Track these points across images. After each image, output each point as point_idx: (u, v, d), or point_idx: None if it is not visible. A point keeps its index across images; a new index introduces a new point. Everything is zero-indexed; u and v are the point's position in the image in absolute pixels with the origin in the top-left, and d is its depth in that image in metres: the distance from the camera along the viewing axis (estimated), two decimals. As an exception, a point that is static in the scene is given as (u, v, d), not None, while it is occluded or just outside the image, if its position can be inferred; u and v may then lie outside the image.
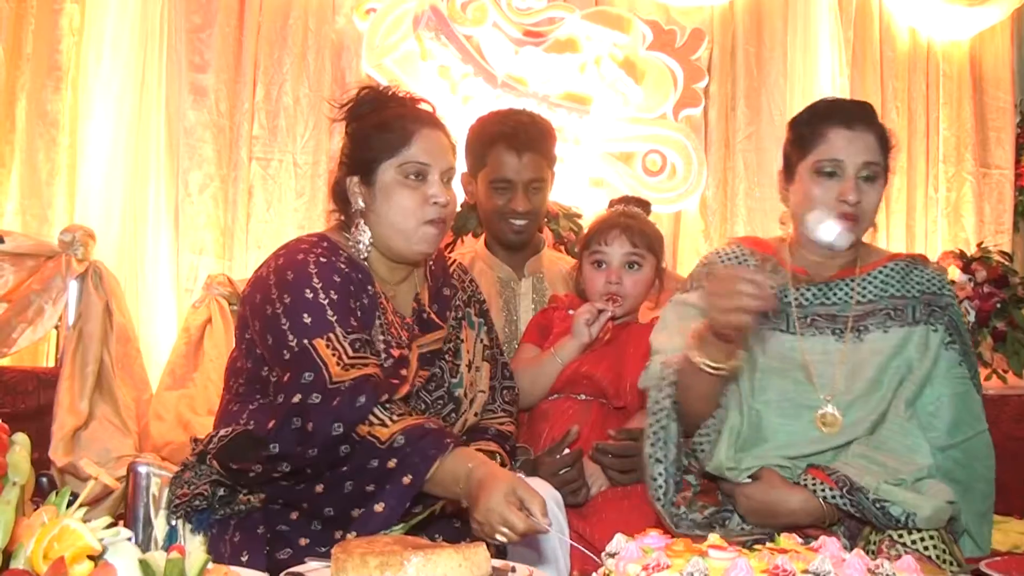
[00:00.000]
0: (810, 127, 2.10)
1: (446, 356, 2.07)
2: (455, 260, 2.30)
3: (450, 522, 1.93)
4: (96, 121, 3.63)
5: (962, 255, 3.79)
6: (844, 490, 1.90)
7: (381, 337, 1.96)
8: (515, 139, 2.59)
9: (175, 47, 3.77)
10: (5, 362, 3.04)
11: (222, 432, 1.95)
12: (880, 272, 2.13)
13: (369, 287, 1.99)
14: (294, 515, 1.88)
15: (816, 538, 1.46)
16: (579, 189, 4.16)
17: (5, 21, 3.55)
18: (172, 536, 1.99)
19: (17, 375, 2.94)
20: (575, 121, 4.19)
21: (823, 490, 1.92)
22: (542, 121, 2.72)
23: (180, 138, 3.79)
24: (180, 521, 1.99)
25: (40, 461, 2.77)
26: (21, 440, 1.00)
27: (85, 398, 2.80)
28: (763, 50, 4.58)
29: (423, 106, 2.07)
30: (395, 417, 1.78)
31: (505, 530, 1.62)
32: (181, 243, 3.75)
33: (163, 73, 3.73)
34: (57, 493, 1.04)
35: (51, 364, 3.10)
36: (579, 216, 3.48)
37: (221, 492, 1.94)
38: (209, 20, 3.85)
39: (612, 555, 1.41)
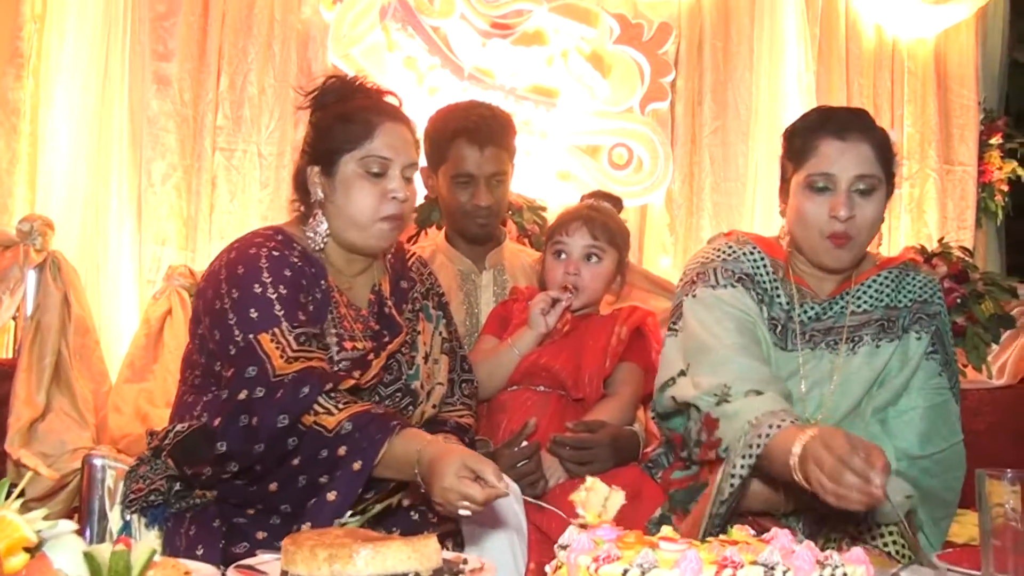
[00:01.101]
0: (802, 139, 2.02)
1: (402, 353, 2.07)
2: (414, 253, 2.30)
3: (408, 514, 1.94)
4: (58, 109, 3.58)
5: (923, 251, 3.81)
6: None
7: (333, 330, 1.96)
8: (476, 133, 2.58)
9: (139, 35, 3.73)
10: (-42, 353, 3.01)
11: (178, 427, 1.94)
12: (874, 281, 2.09)
13: (322, 281, 1.98)
14: (251, 510, 1.88)
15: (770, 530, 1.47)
16: (546, 182, 4.17)
17: (-37, 7, 3.50)
18: (127, 530, 1.98)
19: (-29, 366, 2.92)
20: (542, 114, 4.18)
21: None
22: (502, 114, 2.70)
23: (143, 127, 3.75)
24: (135, 515, 1.97)
25: (-4, 453, 2.75)
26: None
27: (42, 390, 2.77)
28: (730, 45, 4.59)
29: (389, 99, 2.07)
30: (341, 405, 1.78)
31: (466, 503, 1.63)
32: (144, 234, 3.71)
33: (126, 62, 3.67)
34: None
35: (9, 355, 3.06)
36: (543, 209, 3.49)
37: (177, 487, 1.93)
38: (173, 8, 3.81)
39: (564, 547, 1.42)
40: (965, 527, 2.94)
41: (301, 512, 1.77)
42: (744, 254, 2.11)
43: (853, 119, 2.02)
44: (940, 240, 3.97)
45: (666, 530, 1.47)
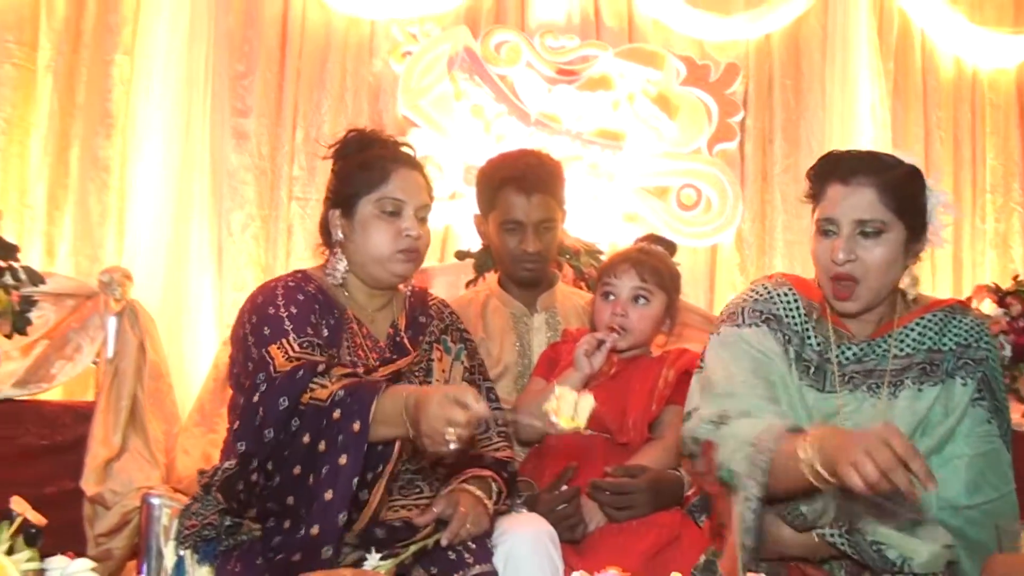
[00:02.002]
0: (815, 183, 2.05)
1: (415, 375, 2.16)
2: (437, 297, 2.40)
3: (445, 554, 1.98)
4: (144, 165, 3.80)
5: (997, 289, 3.71)
6: (843, 529, 1.86)
7: (348, 357, 2.07)
8: (523, 181, 2.62)
9: (219, 93, 3.93)
10: (45, 396, 3.20)
11: (225, 465, 2.04)
12: (918, 324, 2.04)
13: (335, 310, 2.12)
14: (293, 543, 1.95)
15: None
16: (613, 225, 4.22)
17: (60, 73, 3.76)
18: (180, 566, 2.08)
19: (56, 409, 3.11)
20: (608, 157, 4.24)
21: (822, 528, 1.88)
22: (550, 162, 2.74)
23: (223, 180, 3.95)
24: (188, 551, 2.08)
25: (75, 492, 2.91)
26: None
27: (119, 431, 2.94)
28: (801, 82, 4.58)
29: (405, 149, 2.22)
30: (333, 380, 1.89)
31: (451, 430, 1.71)
32: (224, 281, 3.90)
33: (207, 119, 3.89)
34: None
35: (90, 398, 3.24)
36: (600, 253, 3.52)
37: (228, 522, 2.03)
38: (251, 67, 4.02)
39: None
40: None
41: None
42: (778, 295, 2.11)
43: (858, 163, 2.00)
44: (1015, 278, 3.85)
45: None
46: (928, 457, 1.93)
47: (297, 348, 1.97)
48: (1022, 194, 4.74)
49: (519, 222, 2.65)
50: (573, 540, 2.26)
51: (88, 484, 2.84)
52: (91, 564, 1.28)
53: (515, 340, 2.77)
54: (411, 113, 4.08)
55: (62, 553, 1.32)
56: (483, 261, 3.29)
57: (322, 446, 1.81)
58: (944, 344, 2.02)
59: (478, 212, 2.80)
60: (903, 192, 1.96)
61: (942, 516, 1.92)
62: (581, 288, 3.17)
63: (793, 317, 2.10)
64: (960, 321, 2.04)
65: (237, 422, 1.95)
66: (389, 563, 1.80)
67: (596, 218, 4.06)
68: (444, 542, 1.97)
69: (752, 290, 2.16)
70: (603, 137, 4.26)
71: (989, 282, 4.23)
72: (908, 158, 2.05)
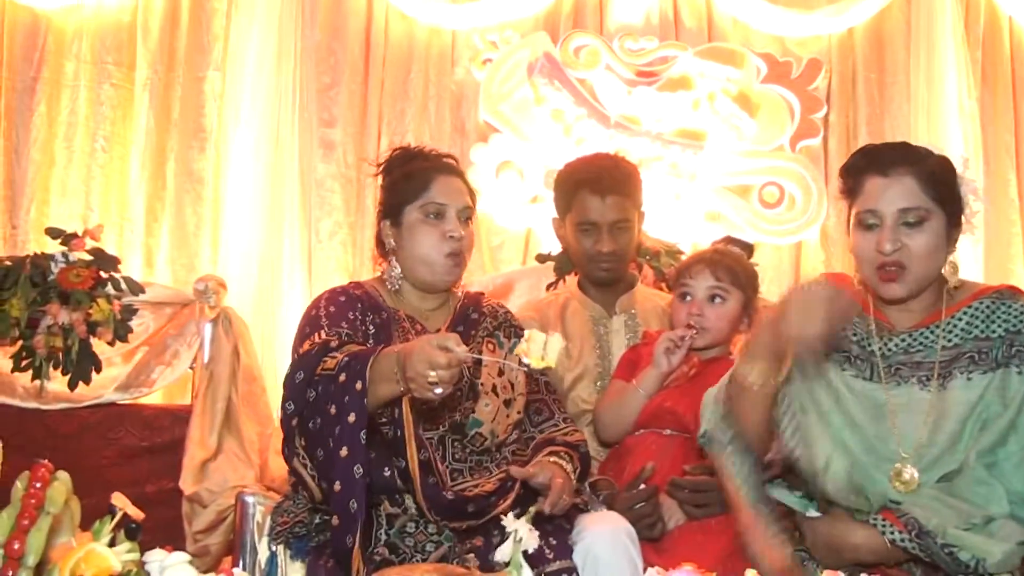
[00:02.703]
0: (852, 178, 2.06)
1: (466, 368, 2.19)
2: (493, 299, 2.50)
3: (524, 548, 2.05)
4: (236, 177, 3.97)
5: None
6: (912, 533, 1.84)
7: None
8: (598, 183, 2.66)
9: (306, 106, 4.07)
10: (145, 400, 3.36)
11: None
12: (965, 313, 2.02)
13: (383, 311, 2.24)
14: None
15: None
16: (695, 224, 4.21)
17: (155, 91, 3.94)
18: (272, 562, 2.18)
19: (155, 412, 3.27)
20: (689, 157, 4.25)
21: (891, 532, 1.87)
22: (625, 164, 2.78)
23: (312, 189, 4.08)
24: (280, 547, 2.17)
25: (174, 491, 3.05)
26: (62, 477, 1.19)
27: (214, 433, 3.07)
28: (885, 76, 4.51)
29: (446, 160, 2.35)
30: (342, 351, 2.02)
31: (433, 373, 1.81)
32: (314, 286, 4.01)
33: (296, 130, 4.03)
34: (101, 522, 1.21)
35: (187, 402, 3.39)
36: (681, 253, 3.52)
37: (317, 520, 2.11)
38: (337, 79, 4.14)
39: (647, 587, 1.48)
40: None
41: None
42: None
43: (895, 154, 2.02)
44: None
45: (750, 572, 1.51)
46: (992, 451, 1.92)
47: (324, 336, 2.09)
48: (1115, 180, 4.58)
49: (594, 223, 2.68)
50: (652, 538, 2.28)
51: (186, 483, 2.98)
52: (187, 557, 1.36)
53: (594, 342, 2.80)
54: (492, 118, 4.15)
55: (161, 548, 1.41)
56: (563, 264, 3.34)
57: (333, 409, 1.94)
58: (993, 331, 1.99)
59: (556, 216, 2.85)
60: (940, 180, 1.98)
61: (1015, 510, 1.89)
62: (661, 289, 3.19)
63: None
64: (1009, 307, 2.00)
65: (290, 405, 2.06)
66: (525, 517, 1.76)
67: (678, 218, 4.06)
68: (547, 510, 2.02)
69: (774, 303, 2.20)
70: (683, 137, 4.26)
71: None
72: (937, 149, 2.07)
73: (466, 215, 2.29)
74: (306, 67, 4.07)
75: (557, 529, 2.11)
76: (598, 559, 2.09)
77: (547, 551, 2.05)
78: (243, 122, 3.96)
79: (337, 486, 1.91)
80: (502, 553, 1.62)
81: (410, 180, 2.27)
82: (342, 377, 1.94)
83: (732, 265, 2.55)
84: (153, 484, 3.09)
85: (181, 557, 1.38)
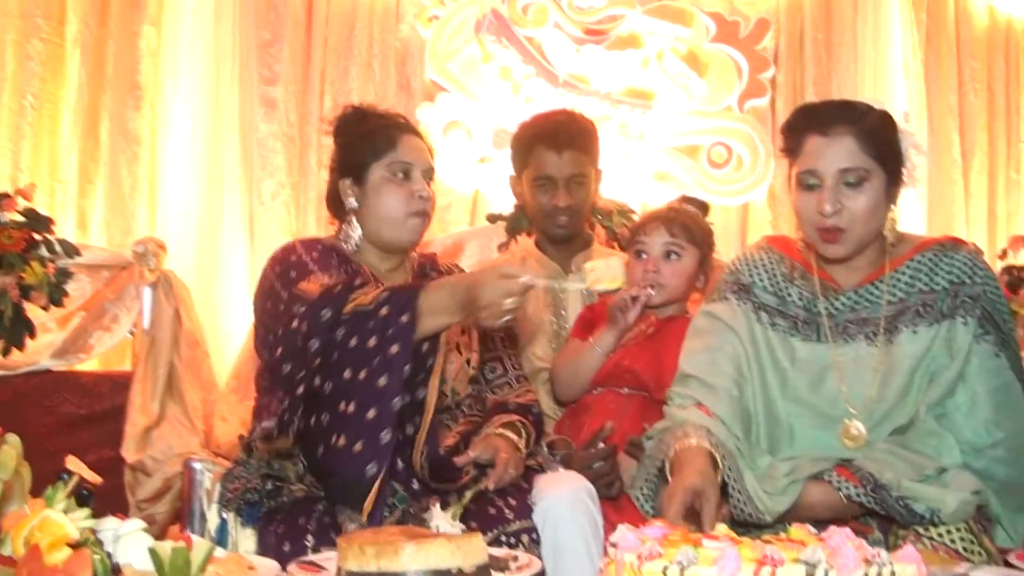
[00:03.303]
0: (792, 137, 2.04)
1: None
2: (448, 260, 2.52)
3: (485, 509, 2.02)
4: (174, 136, 3.83)
5: (1024, 239, 3.67)
6: (868, 488, 1.85)
7: None
8: (554, 138, 2.67)
9: (246, 63, 3.94)
10: (83, 366, 3.24)
11: (265, 424, 2.07)
12: (908, 266, 2.03)
13: (351, 264, 2.20)
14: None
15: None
16: (644, 184, 4.19)
17: (87, 45, 3.77)
18: (223, 529, 2.11)
19: (94, 378, 3.17)
20: (638, 117, 4.21)
21: (847, 487, 1.88)
22: (582, 119, 2.78)
23: (253, 149, 3.96)
24: (232, 514, 2.11)
25: (115, 459, 2.96)
26: (12, 440, 1.11)
27: (156, 399, 2.98)
28: (832, 36, 4.51)
29: (406, 120, 2.33)
30: (368, 288, 1.98)
31: (510, 301, 1.84)
32: (256, 250, 3.91)
33: (236, 88, 3.91)
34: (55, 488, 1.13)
35: (128, 368, 3.28)
36: (633, 212, 3.50)
37: (270, 486, 2.06)
38: (278, 35, 4.01)
39: (614, 545, 1.45)
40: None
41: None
42: (754, 261, 2.17)
43: (835, 113, 2.00)
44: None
45: (721, 528, 1.48)
46: (942, 403, 1.93)
47: (327, 281, 2.04)
48: (1059, 143, 4.66)
49: (550, 177, 2.69)
50: (610, 497, 2.27)
51: (128, 452, 2.89)
52: (142, 524, 1.29)
53: (551, 300, 2.78)
54: (439, 77, 4.06)
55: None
56: (515, 224, 3.30)
57: (372, 342, 1.88)
58: (937, 284, 2.00)
59: (513, 174, 2.84)
60: (880, 137, 1.98)
61: (967, 460, 1.92)
62: (614, 248, 3.17)
63: (768, 279, 2.13)
64: (952, 258, 2.02)
65: (280, 350, 1.98)
66: (453, 508, 1.83)
67: (627, 178, 4.03)
68: (491, 487, 2.02)
69: (732, 261, 2.23)
70: (632, 96, 4.22)
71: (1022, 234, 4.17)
72: (879, 104, 2.06)
73: (429, 175, 2.27)
74: (246, 22, 3.93)
75: (516, 490, 2.11)
76: (558, 519, 2.08)
77: (507, 512, 2.05)
78: (180, 79, 3.82)
79: (371, 413, 1.87)
80: None
81: (374, 138, 2.23)
82: (384, 311, 1.90)
83: (687, 222, 2.54)
84: (93, 453, 2.98)
85: (136, 525, 1.31)
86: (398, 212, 2.20)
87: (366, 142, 2.23)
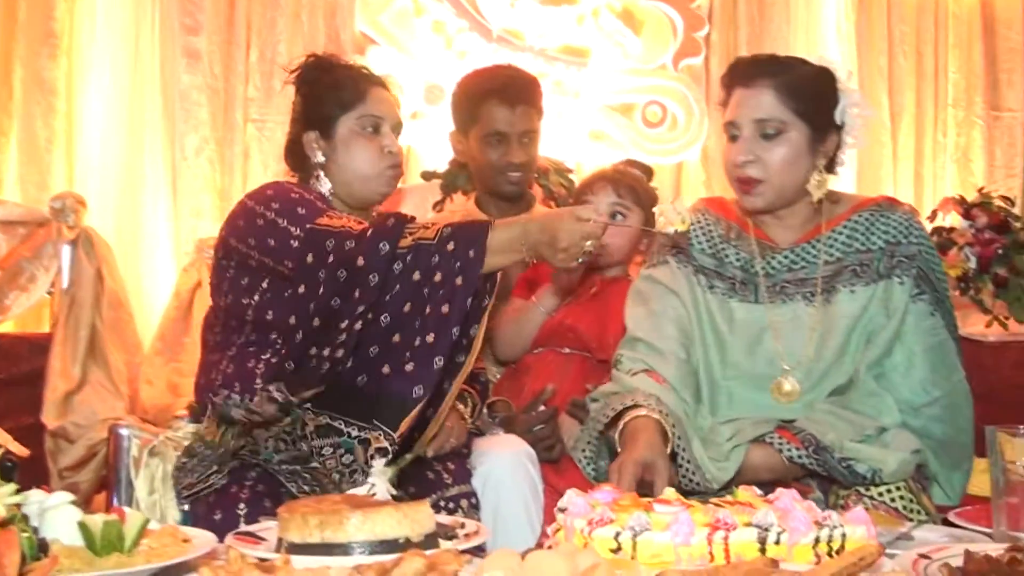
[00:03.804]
0: (723, 90, 2.07)
1: None
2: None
3: (424, 475, 2.01)
4: (92, 87, 3.66)
5: (962, 201, 3.72)
6: (810, 449, 1.87)
7: None
8: (506, 92, 2.62)
9: (168, 11, 3.77)
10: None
11: (224, 396, 1.99)
12: (845, 226, 2.05)
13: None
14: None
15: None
16: (579, 143, 4.15)
17: (-2, -11, 3.57)
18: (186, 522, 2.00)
19: (11, 341, 3.03)
20: (573, 74, 4.16)
21: (788, 449, 1.89)
22: (528, 74, 2.76)
23: (175, 102, 3.80)
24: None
25: (34, 426, 2.84)
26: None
27: (77, 363, 2.86)
28: (766, -6, 4.50)
29: (364, 71, 2.25)
30: (428, 224, 1.93)
31: (589, 243, 1.85)
32: (179, 207, 3.77)
33: (156, 37, 3.74)
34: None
35: (47, 330, 3.15)
36: (570, 171, 3.47)
37: (235, 463, 1.96)
38: (201, -18, 3.85)
39: (563, 510, 1.42)
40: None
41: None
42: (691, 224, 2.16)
43: (760, 66, 2.03)
44: (980, 190, 3.86)
45: (669, 492, 1.47)
46: (879, 363, 1.96)
47: (336, 216, 1.98)
48: (984, 108, 4.73)
49: (503, 133, 2.64)
50: (550, 460, 2.27)
51: (49, 417, 2.78)
52: (70, 497, 1.22)
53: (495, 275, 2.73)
54: (370, 30, 3.95)
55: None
56: (450, 181, 3.24)
57: (438, 277, 1.86)
58: (873, 243, 2.03)
59: (453, 130, 2.78)
60: (803, 92, 1.98)
61: (906, 419, 1.95)
62: (551, 207, 3.13)
63: (706, 241, 2.13)
64: (888, 218, 2.04)
65: (302, 287, 1.91)
66: (392, 468, 1.77)
67: (562, 136, 3.98)
68: (430, 453, 2.01)
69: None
70: (567, 54, 4.16)
71: (951, 195, 4.25)
72: (822, 61, 2.07)
73: (398, 130, 2.22)
74: (167, -33, 3.77)
75: (455, 454, 2.10)
76: (499, 483, 2.09)
77: (445, 476, 2.05)
78: (98, 27, 3.63)
79: (430, 338, 1.84)
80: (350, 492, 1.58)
81: (341, 89, 2.15)
82: (451, 246, 1.86)
83: (633, 184, 2.55)
84: (11, 419, 2.82)
85: (63, 497, 1.24)
86: (369, 167, 2.14)
87: (334, 94, 2.15)
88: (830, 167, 2.07)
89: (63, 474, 2.79)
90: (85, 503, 2.81)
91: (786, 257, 2.07)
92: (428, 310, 1.86)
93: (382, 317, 1.87)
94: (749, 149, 1.97)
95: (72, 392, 2.84)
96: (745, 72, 2.03)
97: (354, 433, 1.87)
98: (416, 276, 1.86)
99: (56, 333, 2.97)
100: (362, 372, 1.88)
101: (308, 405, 1.89)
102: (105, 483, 2.60)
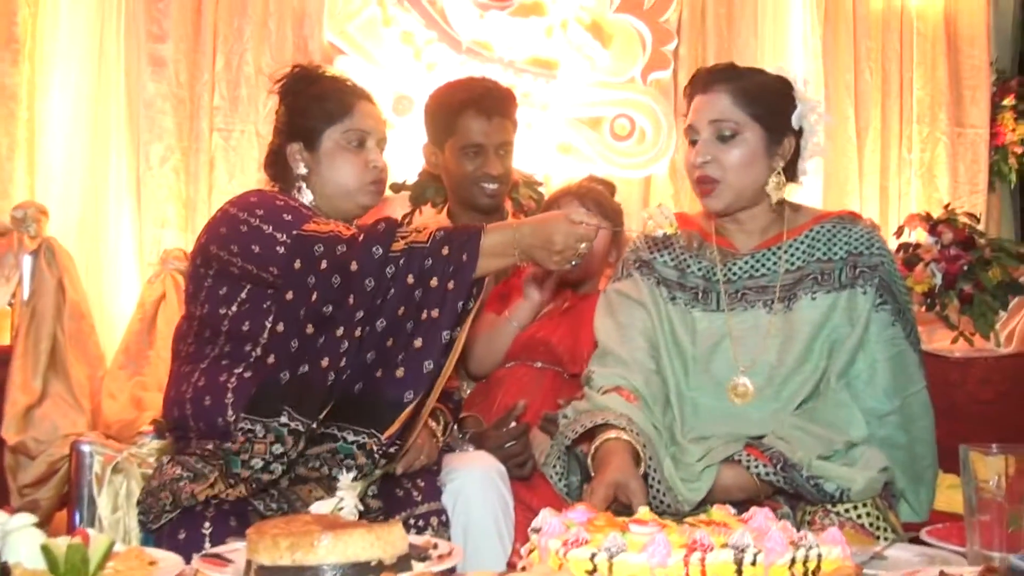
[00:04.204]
0: (686, 98, 2.13)
1: None
2: None
3: (393, 492, 1.99)
4: (55, 94, 3.60)
5: (928, 217, 3.76)
6: (778, 467, 1.87)
7: None
8: (483, 104, 2.62)
9: (133, 17, 3.72)
10: (-42, 340, 3.04)
11: (187, 410, 1.96)
12: (807, 236, 2.08)
13: None
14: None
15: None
16: (547, 155, 4.14)
17: (-43, -6, 3.50)
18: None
19: (-32, 353, 2.95)
20: (542, 86, 4.14)
21: (757, 467, 1.89)
22: (503, 87, 2.76)
23: (140, 110, 3.75)
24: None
25: (-8, 440, 2.78)
26: None
27: (38, 376, 2.80)
28: (733, 10, 4.53)
29: (359, 85, 2.25)
30: (418, 228, 1.94)
31: (583, 245, 1.88)
32: (143, 217, 3.72)
33: (121, 44, 3.68)
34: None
35: (6, 342, 3.08)
36: (539, 184, 3.47)
37: (207, 486, 1.89)
38: (167, -11, 3.80)
39: (537, 530, 1.40)
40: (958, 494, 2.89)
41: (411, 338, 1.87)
42: (650, 241, 2.20)
43: (717, 73, 2.09)
44: (946, 206, 3.90)
45: (644, 512, 1.45)
46: (845, 373, 1.98)
47: (333, 225, 1.97)
48: (948, 124, 4.79)
49: (480, 145, 2.63)
50: (522, 477, 2.25)
51: (8, 433, 2.70)
52: (32, 519, 1.19)
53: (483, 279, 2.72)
54: (338, 39, 3.92)
55: (-2, 509, 1.23)
56: (419, 193, 3.22)
57: (434, 281, 1.86)
58: (835, 254, 2.06)
59: (427, 142, 2.75)
60: (759, 96, 2.04)
61: (872, 428, 1.97)
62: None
63: (668, 254, 2.17)
64: (850, 230, 2.08)
65: (290, 294, 1.89)
66: (360, 483, 1.75)
67: (531, 149, 3.96)
68: (399, 471, 1.99)
69: (633, 240, 2.28)
70: (536, 66, 4.15)
71: (915, 211, 4.29)
72: (780, 71, 2.13)
73: (382, 145, 2.21)
74: (133, -27, 3.72)
75: (425, 471, 2.08)
76: (469, 500, 2.07)
77: (415, 493, 2.03)
78: (62, 32, 3.57)
79: (419, 342, 1.86)
80: (317, 507, 1.56)
81: (327, 102, 2.14)
82: (445, 250, 1.87)
83: (599, 198, 2.58)
84: (-31, 435, 2.79)
85: (25, 520, 1.21)
86: (353, 182, 2.13)
87: (319, 106, 2.14)
88: (792, 175, 2.11)
89: (23, 491, 2.72)
90: (46, 521, 2.75)
91: (746, 263, 2.10)
92: (422, 315, 1.86)
93: (378, 322, 1.87)
94: (707, 150, 2.02)
95: (33, 406, 2.77)
96: (704, 80, 2.09)
97: (350, 438, 1.86)
98: (410, 279, 1.87)
99: (16, 345, 2.90)
100: (360, 379, 1.87)
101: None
102: (67, 500, 2.53)
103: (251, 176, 3.83)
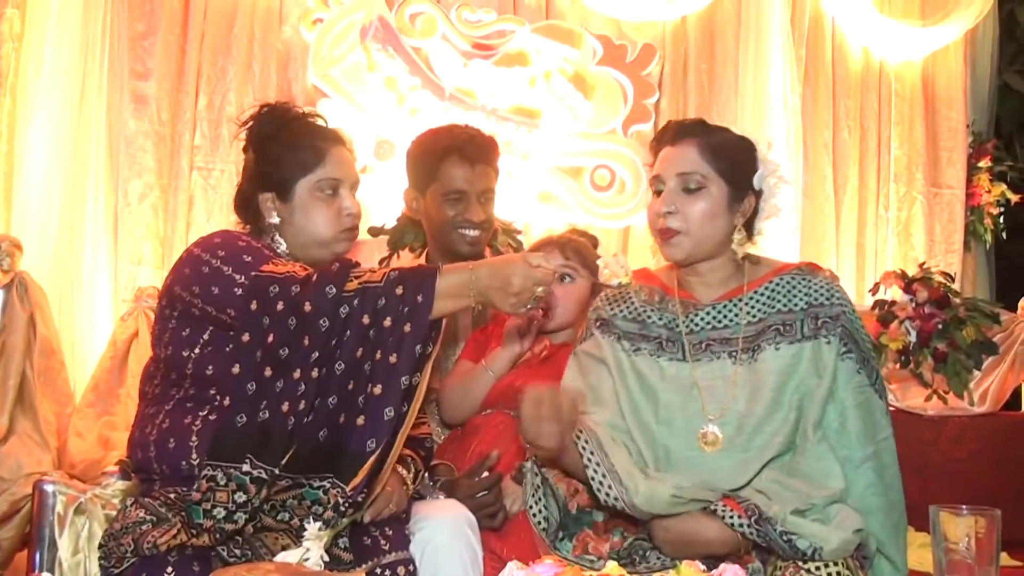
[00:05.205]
0: (652, 151, 2.17)
1: None
2: None
3: (361, 540, 1.94)
4: (35, 128, 3.57)
5: (904, 275, 3.78)
6: (752, 520, 1.86)
7: None
8: (466, 151, 2.62)
9: (117, 55, 3.72)
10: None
11: (152, 454, 1.93)
12: (767, 288, 2.10)
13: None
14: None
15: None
16: (528, 204, 4.16)
17: (-60, 26, 3.50)
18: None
19: (-65, 388, 2.89)
20: (524, 135, 4.18)
21: (731, 517, 1.88)
22: (486, 134, 2.75)
23: (120, 147, 3.74)
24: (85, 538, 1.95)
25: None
26: None
27: (5, 412, 2.75)
28: (715, 66, 4.59)
29: (320, 122, 2.21)
30: (372, 269, 1.93)
31: (541, 289, 1.89)
32: (120, 253, 3.70)
33: (104, 81, 3.68)
34: None
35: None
36: (519, 232, 3.47)
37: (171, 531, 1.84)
38: (152, 27, 3.81)
39: (504, 584, 1.39)
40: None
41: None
42: (610, 298, 2.23)
43: (688, 127, 2.13)
44: (922, 265, 3.93)
45: (612, 567, 1.44)
46: (820, 424, 1.98)
47: (284, 263, 1.95)
48: (924, 184, 4.85)
49: (463, 191, 2.63)
50: (492, 527, 2.22)
51: (-26, 470, 2.65)
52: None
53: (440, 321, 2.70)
54: (321, 83, 3.93)
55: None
56: (398, 238, 3.20)
57: (387, 322, 1.84)
58: (795, 305, 2.07)
59: (408, 187, 2.75)
60: (725, 153, 2.08)
61: (851, 477, 1.96)
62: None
63: (628, 310, 2.18)
64: (810, 282, 2.09)
65: (246, 336, 1.86)
66: (327, 533, 1.77)
67: (511, 197, 3.98)
68: (367, 519, 1.96)
69: (595, 301, 2.30)
70: (518, 114, 4.19)
71: (891, 269, 4.32)
72: (745, 133, 2.17)
73: (355, 188, 2.21)
74: (118, 12, 3.71)
75: (393, 519, 2.05)
76: (437, 550, 2.03)
77: (383, 542, 1.99)
78: (44, 67, 3.56)
79: (378, 389, 1.83)
80: (283, 557, 1.56)
81: (299, 151, 2.12)
82: (399, 290, 1.85)
83: (580, 248, 2.59)
84: (-67, 470, 2.73)
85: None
86: (327, 232, 2.12)
87: (292, 155, 2.11)
88: (749, 233, 2.13)
89: (-15, 531, 2.67)
90: (7, 561, 2.69)
91: (708, 313, 2.11)
92: (378, 356, 1.83)
93: (336, 365, 1.84)
94: (671, 201, 2.05)
95: (-1, 443, 2.72)
96: (674, 132, 2.12)
97: (316, 484, 1.83)
98: (365, 320, 1.84)
99: (-17, 381, 2.86)
100: (324, 425, 1.84)
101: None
102: (28, 540, 2.48)
103: (229, 215, 3.77)
